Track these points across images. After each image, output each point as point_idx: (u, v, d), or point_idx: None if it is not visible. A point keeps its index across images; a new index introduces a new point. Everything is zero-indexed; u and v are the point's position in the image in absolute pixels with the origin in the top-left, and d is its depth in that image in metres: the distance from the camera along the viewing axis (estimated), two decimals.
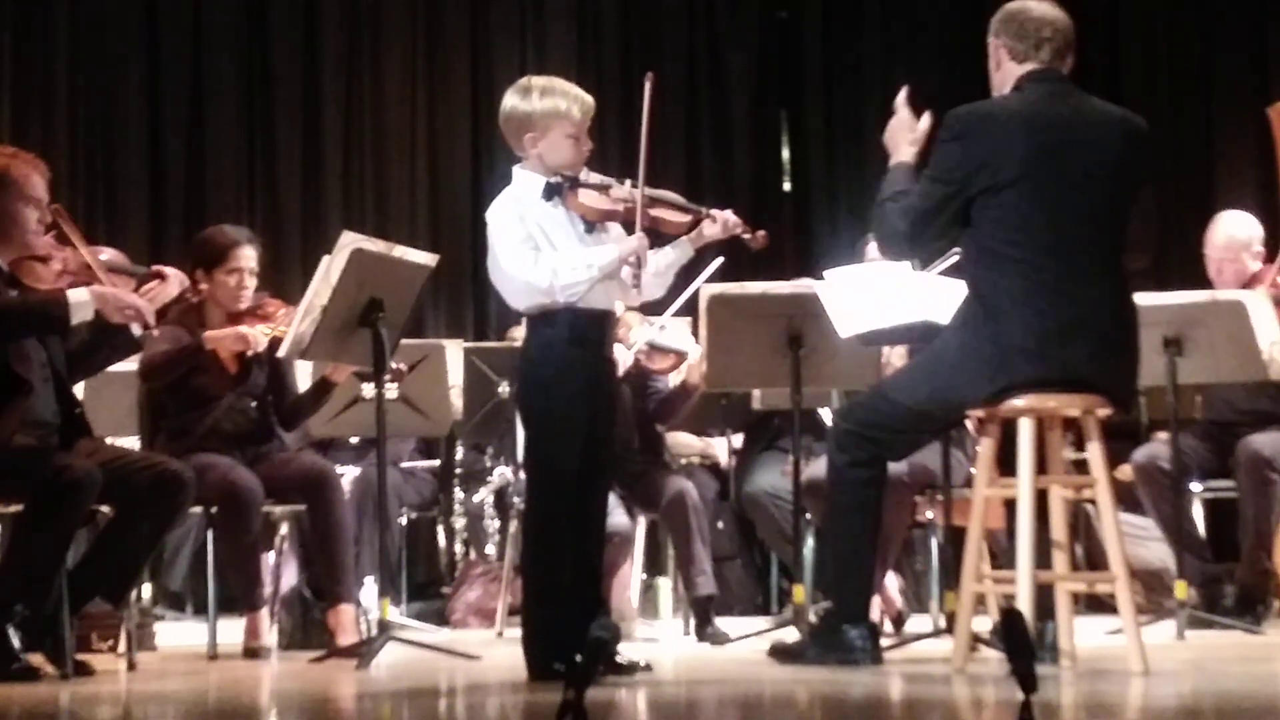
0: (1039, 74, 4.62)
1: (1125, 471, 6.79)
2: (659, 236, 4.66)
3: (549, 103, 4.58)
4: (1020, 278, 4.49)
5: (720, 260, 5.85)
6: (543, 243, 4.52)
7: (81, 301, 4.85)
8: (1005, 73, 4.68)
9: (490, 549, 7.35)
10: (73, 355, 5.09)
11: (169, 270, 5.22)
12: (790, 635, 5.35)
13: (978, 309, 4.56)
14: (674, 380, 6.38)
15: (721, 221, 4.66)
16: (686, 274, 5.25)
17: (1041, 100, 4.60)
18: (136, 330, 5.00)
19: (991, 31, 4.71)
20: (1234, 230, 6.45)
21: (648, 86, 4.60)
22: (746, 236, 4.72)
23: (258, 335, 5.68)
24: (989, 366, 4.51)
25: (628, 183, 4.60)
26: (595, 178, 4.62)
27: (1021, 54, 4.64)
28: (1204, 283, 6.43)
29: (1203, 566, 6.30)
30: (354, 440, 6.83)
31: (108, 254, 5.21)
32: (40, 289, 5.03)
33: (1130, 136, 4.65)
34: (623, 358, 5.95)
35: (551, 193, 4.55)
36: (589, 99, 4.63)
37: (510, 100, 4.63)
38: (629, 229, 4.56)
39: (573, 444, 4.53)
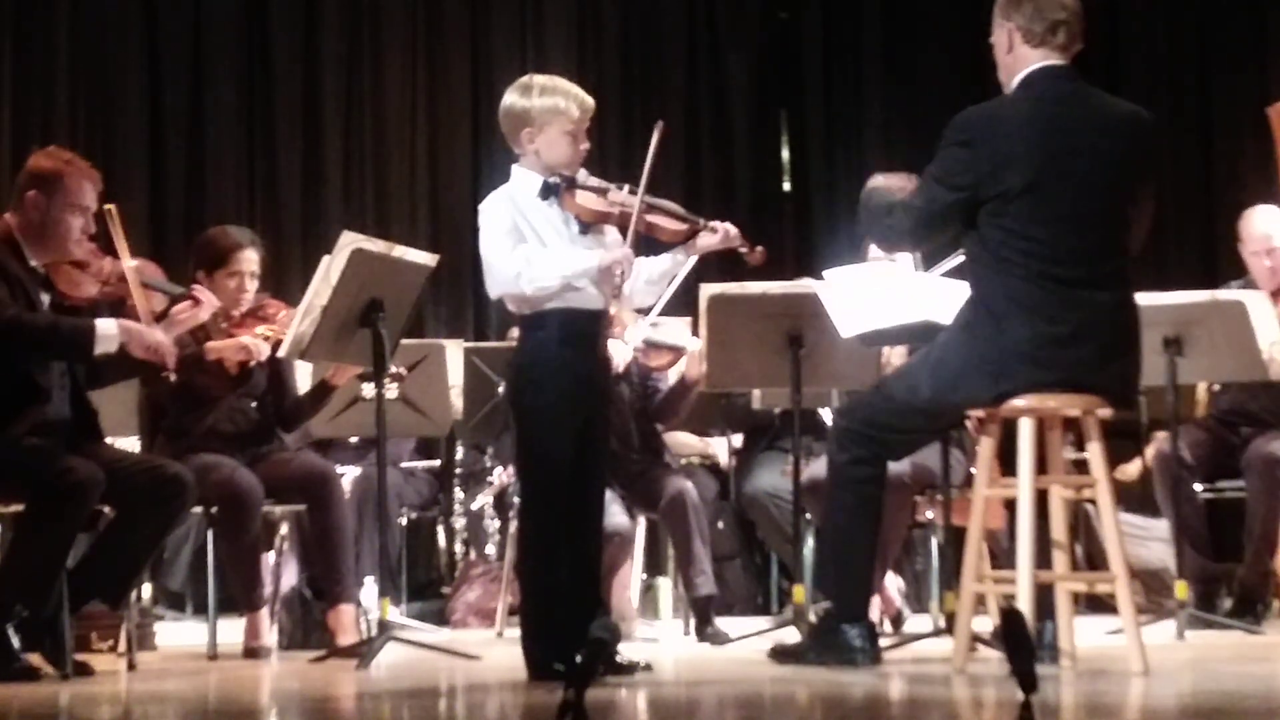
0: (1049, 71, 4.55)
1: (1125, 471, 6.79)
2: (655, 244, 4.65)
3: (548, 100, 4.57)
4: (1025, 282, 4.47)
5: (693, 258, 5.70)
6: (533, 240, 4.52)
7: (108, 334, 4.85)
8: (1018, 57, 4.58)
9: (490, 549, 7.36)
10: (92, 367, 5.07)
11: (204, 294, 5.23)
12: (790, 635, 5.35)
13: (982, 312, 4.54)
14: (673, 376, 6.38)
15: (721, 233, 4.64)
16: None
17: (1050, 104, 4.53)
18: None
19: (1000, 14, 4.60)
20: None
21: (656, 134, 4.57)
22: (744, 251, 4.70)
23: (259, 345, 5.67)
24: (992, 370, 4.50)
25: (626, 187, 4.59)
26: (594, 180, 4.61)
27: (1037, 37, 4.54)
28: (1204, 282, 6.42)
29: (1204, 564, 6.30)
30: (354, 440, 6.83)
31: (141, 265, 5.19)
32: (73, 295, 5.02)
33: (1136, 135, 4.61)
34: (620, 352, 5.94)
35: (548, 192, 4.55)
36: (589, 99, 4.63)
37: (510, 97, 4.63)
38: (625, 234, 4.55)
39: (565, 443, 4.52)
